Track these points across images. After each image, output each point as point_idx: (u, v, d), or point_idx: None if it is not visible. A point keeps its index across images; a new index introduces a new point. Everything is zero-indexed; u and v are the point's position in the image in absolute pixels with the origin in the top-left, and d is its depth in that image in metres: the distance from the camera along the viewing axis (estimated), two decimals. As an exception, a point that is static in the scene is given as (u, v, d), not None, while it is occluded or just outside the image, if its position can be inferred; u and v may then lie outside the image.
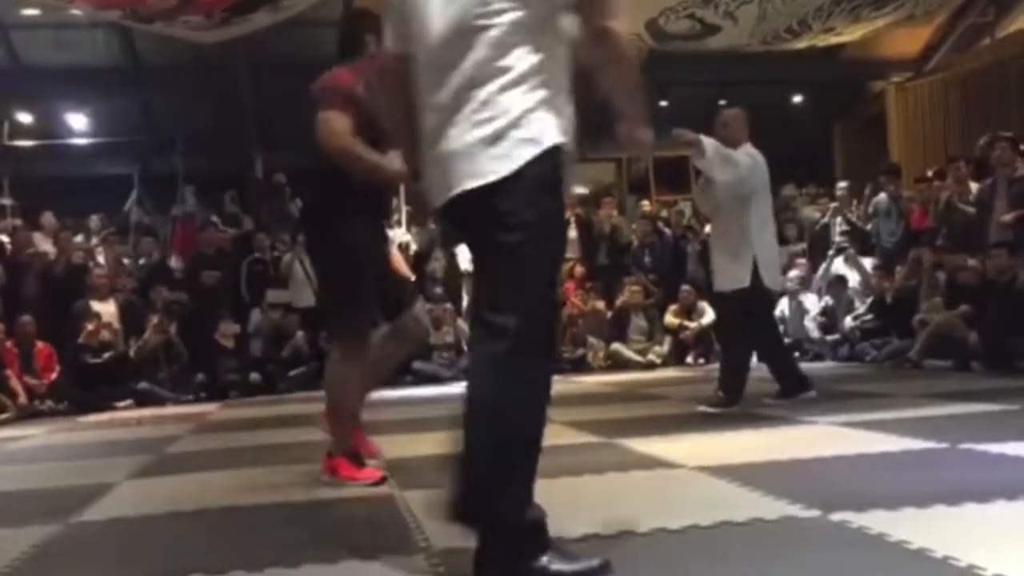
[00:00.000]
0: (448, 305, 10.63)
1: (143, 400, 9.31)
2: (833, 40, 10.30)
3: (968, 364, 7.45)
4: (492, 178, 2.25)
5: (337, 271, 3.79)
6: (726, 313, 6.17)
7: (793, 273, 10.08)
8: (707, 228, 12.02)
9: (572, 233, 11.69)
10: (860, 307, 9.34)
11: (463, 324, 10.64)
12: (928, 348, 7.91)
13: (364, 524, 3.14)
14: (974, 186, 8.83)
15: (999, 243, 7.84)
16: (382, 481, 3.72)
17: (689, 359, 10.30)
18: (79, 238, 11.37)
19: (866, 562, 2.29)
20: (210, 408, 8.69)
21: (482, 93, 2.27)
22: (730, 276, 5.71)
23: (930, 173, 10.04)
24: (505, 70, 2.28)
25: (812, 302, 9.93)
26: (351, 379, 3.79)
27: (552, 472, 3.74)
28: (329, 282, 3.92)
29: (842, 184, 11.26)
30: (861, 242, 10.24)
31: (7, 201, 12.54)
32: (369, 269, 3.77)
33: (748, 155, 5.69)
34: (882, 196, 10.07)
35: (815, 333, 9.56)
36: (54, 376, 9.23)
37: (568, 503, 3.17)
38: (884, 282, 9.16)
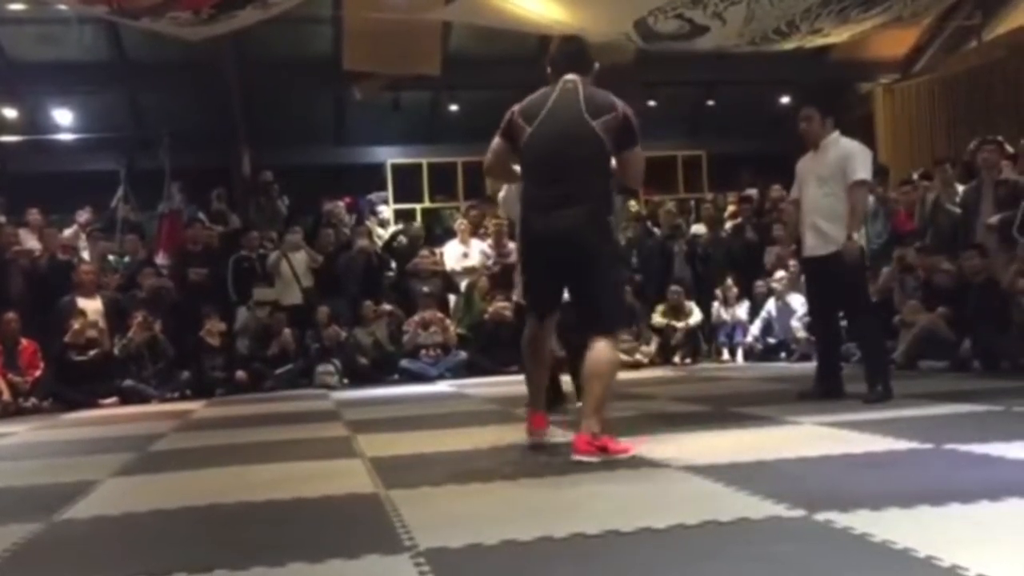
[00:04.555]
0: (437, 313, 10.60)
1: (128, 397, 9.28)
2: (821, 41, 10.30)
3: (962, 364, 7.50)
4: None
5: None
6: None
7: (780, 274, 10.10)
8: (693, 228, 12.11)
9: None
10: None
11: (450, 324, 10.63)
12: (914, 350, 7.95)
13: (349, 523, 3.13)
14: (960, 188, 8.86)
15: (973, 245, 7.88)
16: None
17: (676, 359, 10.32)
18: (67, 232, 11.29)
19: (850, 562, 2.30)
20: (195, 406, 8.65)
21: None
22: None
23: (916, 175, 10.06)
24: None
25: (799, 302, 9.95)
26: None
27: (539, 471, 3.75)
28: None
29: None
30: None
31: (-9, 196, 12.42)
32: None
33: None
34: (869, 198, 10.07)
35: (801, 333, 9.58)
36: (38, 373, 9.17)
37: (554, 502, 3.17)
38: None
